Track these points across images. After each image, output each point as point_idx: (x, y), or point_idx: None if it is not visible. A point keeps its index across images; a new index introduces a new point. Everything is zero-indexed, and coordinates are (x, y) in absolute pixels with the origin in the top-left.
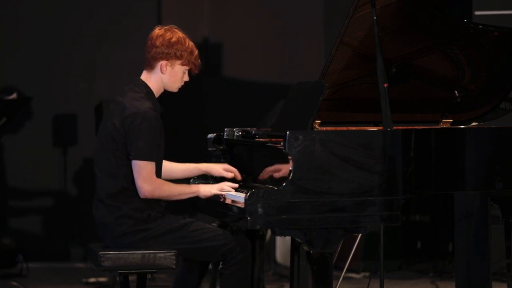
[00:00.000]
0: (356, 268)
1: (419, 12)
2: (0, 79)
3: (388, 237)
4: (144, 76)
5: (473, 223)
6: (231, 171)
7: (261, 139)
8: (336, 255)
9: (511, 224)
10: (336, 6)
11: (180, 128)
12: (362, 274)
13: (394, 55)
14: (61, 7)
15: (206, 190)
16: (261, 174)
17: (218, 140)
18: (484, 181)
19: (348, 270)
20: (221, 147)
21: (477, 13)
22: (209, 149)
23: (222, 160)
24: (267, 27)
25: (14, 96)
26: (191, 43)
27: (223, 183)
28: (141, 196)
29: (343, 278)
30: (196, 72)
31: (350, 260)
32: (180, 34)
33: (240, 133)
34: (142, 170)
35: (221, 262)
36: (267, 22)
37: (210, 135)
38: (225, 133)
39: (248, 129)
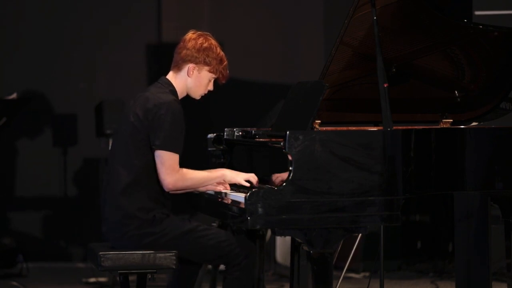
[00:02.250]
0: (356, 268)
1: (419, 12)
2: (0, 79)
3: (388, 237)
4: (170, 76)
5: (473, 223)
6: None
7: (261, 139)
8: (336, 255)
9: (511, 224)
10: (336, 6)
11: None
12: (362, 274)
13: (394, 55)
14: (61, 7)
15: (233, 176)
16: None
17: (218, 140)
18: (484, 181)
19: (348, 270)
20: (221, 147)
21: (477, 13)
22: (209, 149)
23: (222, 160)
24: (267, 27)
25: (14, 96)
26: (222, 53)
27: (250, 174)
28: (165, 189)
29: (343, 278)
30: (223, 82)
31: (350, 260)
32: (213, 41)
33: (240, 133)
34: (166, 161)
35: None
36: (267, 22)
37: (210, 135)
38: (225, 133)
39: (248, 129)
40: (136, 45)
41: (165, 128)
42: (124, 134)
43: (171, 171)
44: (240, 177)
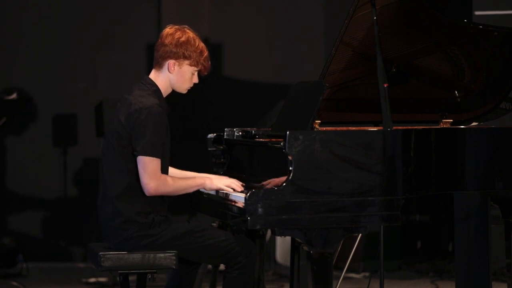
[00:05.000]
0: (356, 268)
1: (419, 12)
2: (0, 79)
3: (388, 237)
4: (153, 75)
5: (473, 223)
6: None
7: (261, 139)
8: (336, 255)
9: (511, 224)
10: (336, 6)
11: (180, 128)
12: (362, 274)
13: (394, 55)
14: (61, 8)
15: (213, 183)
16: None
17: (218, 140)
18: (484, 181)
19: (348, 270)
20: (221, 147)
21: (477, 13)
22: (209, 149)
23: (222, 160)
24: (267, 27)
25: (14, 96)
26: (201, 44)
27: (232, 180)
28: (146, 193)
29: (343, 278)
30: (206, 73)
31: (350, 260)
32: (191, 34)
33: (240, 133)
34: (147, 166)
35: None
36: (267, 22)
37: (210, 135)
38: (225, 133)
39: (248, 129)
40: (136, 45)
41: (145, 134)
42: (111, 140)
43: (153, 176)
44: (221, 183)
